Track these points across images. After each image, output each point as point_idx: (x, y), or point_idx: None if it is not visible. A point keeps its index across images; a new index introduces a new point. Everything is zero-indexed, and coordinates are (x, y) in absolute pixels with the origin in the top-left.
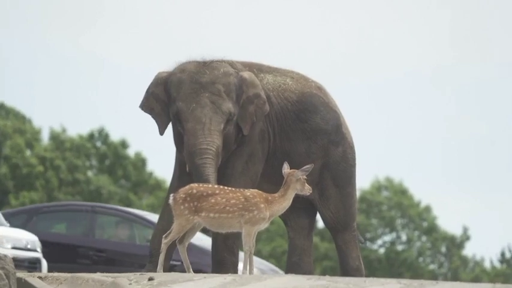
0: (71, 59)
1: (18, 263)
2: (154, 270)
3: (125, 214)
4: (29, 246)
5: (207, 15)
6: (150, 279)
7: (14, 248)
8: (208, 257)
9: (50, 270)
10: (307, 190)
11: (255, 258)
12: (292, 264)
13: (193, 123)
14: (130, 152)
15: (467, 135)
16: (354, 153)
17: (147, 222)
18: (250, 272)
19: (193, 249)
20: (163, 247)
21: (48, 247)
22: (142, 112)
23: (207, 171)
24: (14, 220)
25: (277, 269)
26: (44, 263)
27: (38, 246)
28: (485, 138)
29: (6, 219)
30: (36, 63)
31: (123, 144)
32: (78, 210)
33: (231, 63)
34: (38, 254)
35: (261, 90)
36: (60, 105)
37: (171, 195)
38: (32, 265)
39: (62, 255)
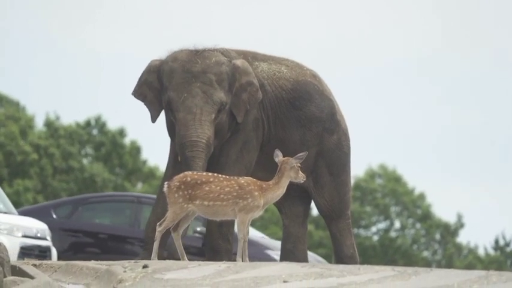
0: (69, 48)
1: (28, 251)
2: (148, 257)
3: None
4: (39, 235)
5: (206, 5)
6: (145, 266)
7: (24, 236)
8: (252, 247)
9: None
10: (301, 178)
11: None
12: (287, 252)
13: (184, 113)
14: (127, 140)
15: (461, 123)
16: (349, 141)
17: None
18: (245, 260)
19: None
20: (158, 235)
21: (94, 238)
22: (139, 101)
23: (195, 165)
24: (59, 211)
25: (323, 260)
26: (54, 252)
27: (48, 234)
28: (479, 125)
29: (51, 209)
30: (36, 52)
31: (121, 133)
32: (123, 201)
33: (225, 52)
34: (48, 243)
35: (253, 78)
36: (57, 93)
37: (166, 183)
38: (42, 253)
39: (107, 245)
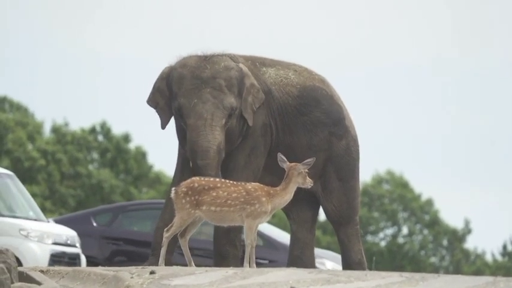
0: (74, 54)
1: (58, 258)
2: (156, 263)
3: None
4: (68, 242)
5: (210, 9)
6: (152, 272)
7: (54, 243)
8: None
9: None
10: (308, 183)
11: (339, 257)
12: (294, 258)
13: (195, 119)
14: (132, 146)
15: (469, 128)
16: (358, 147)
17: None
18: (252, 266)
19: (281, 249)
20: (165, 241)
21: (134, 245)
22: (144, 106)
23: (206, 175)
24: (99, 218)
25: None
26: (83, 258)
27: (77, 241)
28: (487, 131)
29: (91, 217)
30: (40, 58)
31: (126, 139)
32: (161, 208)
33: (232, 57)
34: (78, 250)
35: (253, 80)
36: (63, 99)
37: (173, 188)
38: (72, 260)
39: (147, 253)
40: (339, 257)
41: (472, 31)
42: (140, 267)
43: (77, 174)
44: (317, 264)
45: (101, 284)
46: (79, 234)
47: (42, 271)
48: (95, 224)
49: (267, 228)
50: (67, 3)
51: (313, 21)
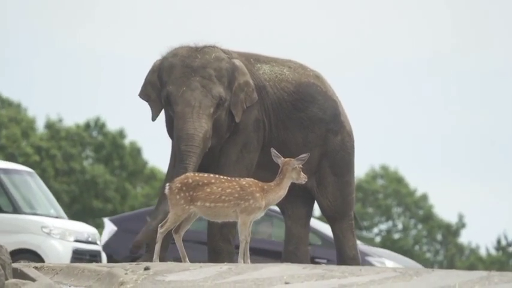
0: (69, 50)
1: (80, 255)
2: (150, 259)
3: (268, 211)
4: (90, 239)
5: (208, 7)
6: (146, 268)
7: (76, 240)
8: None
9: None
10: (302, 179)
11: (399, 257)
12: (289, 253)
13: (183, 106)
14: (127, 141)
15: (463, 124)
16: (353, 142)
17: None
18: (246, 261)
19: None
20: (159, 237)
21: (192, 244)
22: (138, 102)
23: (188, 160)
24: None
25: (417, 264)
26: (104, 256)
27: (98, 239)
28: (480, 126)
29: (147, 216)
30: (34, 54)
31: (121, 134)
32: None
33: (227, 52)
34: (98, 247)
35: (249, 78)
36: (56, 95)
37: (167, 184)
38: (93, 258)
39: (204, 253)
40: (398, 256)
41: (471, 30)
42: (134, 263)
43: (71, 170)
44: (377, 264)
45: (95, 280)
46: (136, 233)
47: (36, 267)
48: None
49: (324, 227)
50: (63, 3)
51: (313, 20)
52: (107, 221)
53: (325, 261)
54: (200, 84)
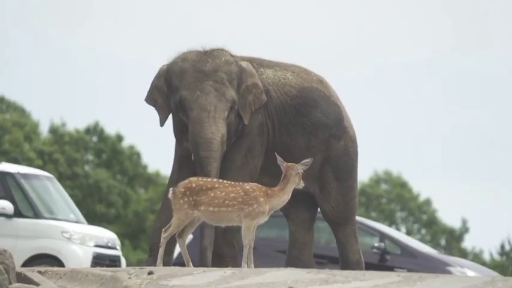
0: (70, 54)
1: (100, 260)
2: (154, 264)
3: None
4: (109, 244)
5: (207, 7)
6: (150, 273)
7: (96, 246)
8: (431, 263)
9: None
10: (302, 184)
11: (480, 267)
12: (292, 258)
13: (198, 111)
14: (125, 145)
15: (466, 128)
16: (356, 147)
17: (369, 228)
18: (250, 266)
19: (419, 256)
20: (163, 241)
21: (261, 252)
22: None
23: (209, 166)
24: None
25: (494, 273)
26: (123, 261)
27: (118, 244)
28: (484, 130)
29: None
30: (36, 58)
31: (119, 138)
32: None
33: (232, 55)
34: (118, 252)
35: (258, 80)
36: (57, 99)
37: (170, 189)
38: (113, 263)
39: (276, 260)
40: (480, 266)
41: (471, 31)
42: (138, 267)
43: (74, 175)
44: (458, 274)
45: (99, 285)
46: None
47: (40, 272)
48: None
49: (404, 237)
50: (63, 4)
51: (313, 21)
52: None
53: (405, 270)
54: (213, 88)
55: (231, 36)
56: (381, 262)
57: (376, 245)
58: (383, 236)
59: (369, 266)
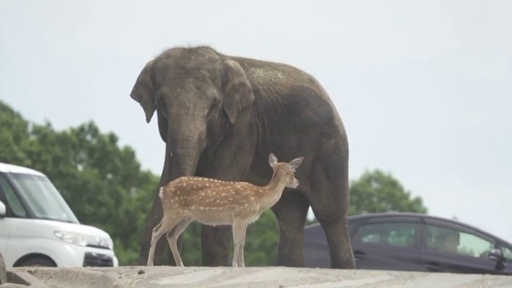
0: (63, 53)
1: (92, 260)
2: (144, 263)
3: (455, 225)
4: (102, 244)
5: (201, 7)
6: (140, 272)
7: (88, 245)
8: None
9: None
10: (294, 183)
11: None
12: (283, 257)
13: (177, 107)
14: (120, 145)
15: (457, 127)
16: (347, 146)
17: (484, 235)
18: (240, 265)
19: None
20: (153, 240)
21: (377, 259)
22: (131, 105)
23: (185, 164)
24: None
25: None
26: (115, 261)
27: (110, 243)
28: (475, 129)
29: None
30: (26, 58)
31: (112, 138)
32: (406, 221)
33: (221, 55)
34: (111, 252)
35: (246, 79)
36: (49, 99)
37: (161, 188)
38: (105, 262)
39: (391, 267)
40: None
41: (470, 27)
42: (129, 267)
43: (62, 175)
44: None
45: (90, 284)
46: (317, 247)
47: (30, 271)
48: None
49: None
50: (57, 3)
51: (313, 21)
52: None
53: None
54: (194, 85)
55: (228, 35)
56: (498, 269)
57: (493, 251)
58: (499, 243)
59: (486, 273)
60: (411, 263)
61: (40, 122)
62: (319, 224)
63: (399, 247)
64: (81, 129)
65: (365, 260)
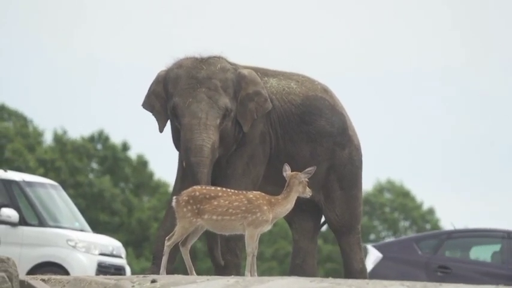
0: (71, 61)
1: (105, 269)
2: (157, 272)
3: None
4: (114, 253)
5: (207, 12)
6: (153, 281)
7: (101, 254)
8: None
9: None
10: (307, 193)
11: None
12: (296, 267)
13: (190, 118)
14: (132, 154)
15: (470, 136)
16: (361, 156)
17: None
18: (253, 274)
19: None
20: (166, 249)
21: (462, 274)
22: (142, 113)
23: (200, 173)
24: (422, 245)
25: None
26: (128, 270)
27: (123, 252)
28: (487, 139)
29: (414, 244)
30: (34, 65)
31: (124, 147)
32: (492, 236)
33: (233, 64)
34: (123, 260)
35: (262, 88)
36: (60, 108)
37: (174, 197)
38: (118, 271)
39: (475, 281)
40: None
41: (478, 39)
42: (141, 275)
43: (77, 183)
44: None
45: None
46: (402, 262)
47: (43, 280)
48: (419, 252)
49: None
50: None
51: (317, 27)
52: (371, 247)
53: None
54: (206, 95)
55: (241, 45)
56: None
57: None
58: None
59: None
60: (497, 278)
61: (57, 130)
62: (403, 238)
63: (485, 262)
64: (92, 137)
65: (450, 275)
